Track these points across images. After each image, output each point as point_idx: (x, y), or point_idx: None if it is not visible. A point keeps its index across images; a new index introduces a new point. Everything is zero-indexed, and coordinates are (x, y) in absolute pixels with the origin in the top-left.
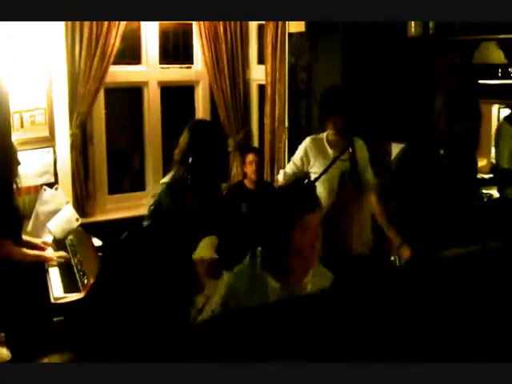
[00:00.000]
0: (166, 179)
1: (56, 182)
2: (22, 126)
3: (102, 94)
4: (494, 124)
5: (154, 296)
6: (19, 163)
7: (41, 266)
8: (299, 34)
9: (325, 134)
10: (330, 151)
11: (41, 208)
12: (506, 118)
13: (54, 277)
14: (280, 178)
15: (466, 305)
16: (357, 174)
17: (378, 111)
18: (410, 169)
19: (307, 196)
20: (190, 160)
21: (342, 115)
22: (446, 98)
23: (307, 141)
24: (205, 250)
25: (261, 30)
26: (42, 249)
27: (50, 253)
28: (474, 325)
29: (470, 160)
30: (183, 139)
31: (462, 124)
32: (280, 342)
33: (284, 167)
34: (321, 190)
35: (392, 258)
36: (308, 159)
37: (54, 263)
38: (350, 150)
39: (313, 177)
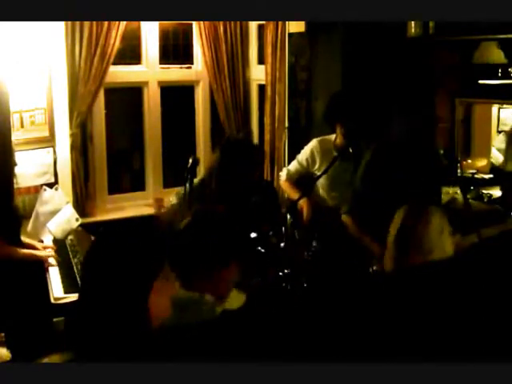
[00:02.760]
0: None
1: (56, 182)
2: (22, 126)
3: (102, 94)
4: (494, 124)
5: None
6: (16, 164)
7: (41, 266)
8: (299, 34)
9: (333, 136)
10: (336, 154)
11: (41, 208)
12: None
13: (54, 277)
14: (283, 175)
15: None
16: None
17: (377, 111)
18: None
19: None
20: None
21: (348, 120)
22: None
23: (314, 142)
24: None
25: (261, 30)
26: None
27: (47, 251)
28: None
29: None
30: (214, 158)
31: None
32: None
33: (284, 166)
34: (321, 191)
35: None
36: (314, 160)
37: (54, 263)
38: (350, 150)
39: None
